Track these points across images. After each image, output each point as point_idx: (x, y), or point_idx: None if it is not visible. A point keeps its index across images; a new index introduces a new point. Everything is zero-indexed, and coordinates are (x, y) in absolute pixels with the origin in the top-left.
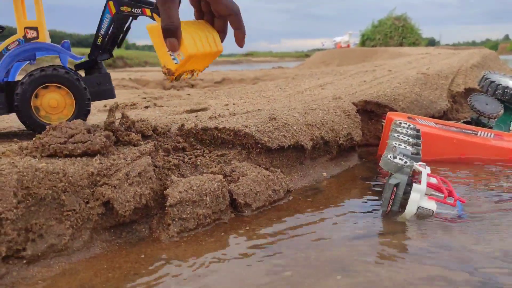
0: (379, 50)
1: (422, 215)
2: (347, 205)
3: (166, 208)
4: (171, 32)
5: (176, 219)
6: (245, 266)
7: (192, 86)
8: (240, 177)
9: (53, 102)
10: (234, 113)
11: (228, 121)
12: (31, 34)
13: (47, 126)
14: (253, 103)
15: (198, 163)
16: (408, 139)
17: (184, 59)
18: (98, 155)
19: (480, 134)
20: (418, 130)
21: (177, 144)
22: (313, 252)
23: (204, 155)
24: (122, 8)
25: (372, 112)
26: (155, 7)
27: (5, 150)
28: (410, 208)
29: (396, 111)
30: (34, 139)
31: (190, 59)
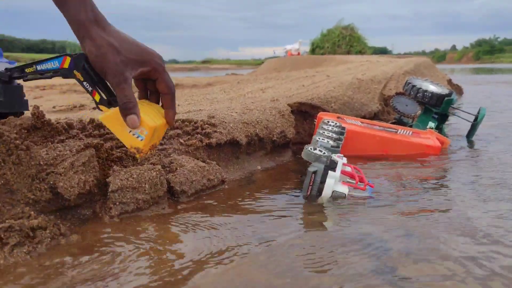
0: (328, 58)
1: (336, 197)
2: (275, 192)
3: (109, 194)
4: (130, 109)
5: (117, 203)
6: (180, 239)
7: None
8: (178, 168)
9: None
10: (176, 113)
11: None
12: None
13: None
14: (197, 105)
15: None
16: (332, 134)
17: (148, 133)
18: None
19: (400, 132)
20: (343, 128)
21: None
22: (239, 226)
23: None
24: (75, 72)
25: (306, 113)
26: (106, 101)
27: None
28: (326, 192)
29: (328, 112)
30: None
31: (153, 132)
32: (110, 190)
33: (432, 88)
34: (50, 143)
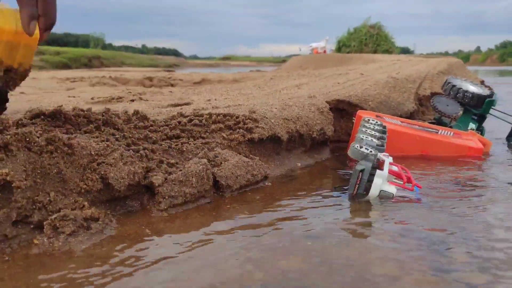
0: (354, 56)
1: (384, 197)
2: (318, 189)
3: (157, 188)
4: None
5: (166, 197)
6: (227, 235)
7: (172, 85)
8: (223, 162)
9: None
10: (216, 107)
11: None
12: None
13: None
14: (233, 100)
15: (184, 149)
16: (374, 133)
17: None
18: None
19: (441, 133)
20: (384, 126)
21: (169, 132)
22: (287, 225)
23: (189, 142)
24: None
25: (343, 111)
26: None
27: None
28: (374, 191)
29: (366, 110)
30: None
31: None
32: (157, 183)
33: (473, 88)
34: (99, 133)
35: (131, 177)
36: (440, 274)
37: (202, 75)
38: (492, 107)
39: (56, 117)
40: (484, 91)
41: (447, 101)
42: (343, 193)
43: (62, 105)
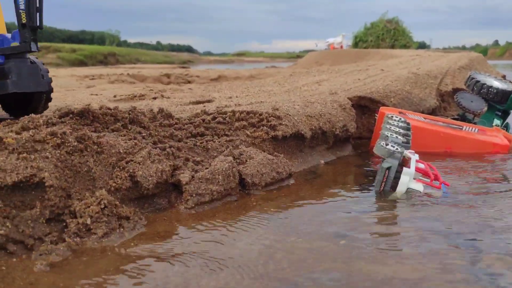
0: (371, 51)
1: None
2: (343, 187)
3: (184, 186)
4: None
5: (194, 195)
6: (253, 233)
7: (189, 82)
8: (248, 160)
9: None
10: (239, 104)
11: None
12: None
13: None
14: (255, 97)
15: (209, 147)
16: (399, 130)
17: None
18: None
19: (465, 129)
20: (408, 123)
21: (194, 130)
22: (315, 224)
23: (214, 140)
24: None
25: (365, 107)
26: None
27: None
28: (400, 189)
29: (388, 106)
30: None
31: None
32: (184, 181)
33: (497, 84)
34: (126, 131)
35: (159, 175)
36: (467, 275)
37: (218, 72)
38: None
39: (84, 115)
40: (509, 86)
41: (471, 97)
42: (368, 190)
43: (89, 104)
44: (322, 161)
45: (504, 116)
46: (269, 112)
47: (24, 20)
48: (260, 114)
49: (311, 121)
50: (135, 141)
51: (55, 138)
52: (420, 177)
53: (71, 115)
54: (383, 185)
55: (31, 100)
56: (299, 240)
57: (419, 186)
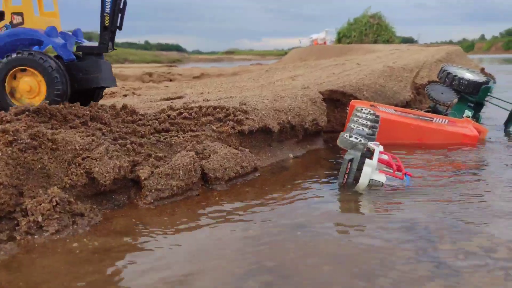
0: (355, 47)
1: (373, 186)
2: (309, 179)
3: (143, 181)
4: None
5: (153, 190)
6: (216, 228)
7: (171, 80)
8: (211, 155)
9: (26, 86)
10: (207, 100)
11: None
12: (16, 19)
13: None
14: (227, 92)
15: (173, 142)
16: (366, 122)
17: None
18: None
19: (436, 121)
20: (377, 116)
21: (158, 126)
22: (276, 216)
23: (179, 135)
24: None
25: (338, 101)
26: None
27: None
28: (363, 180)
29: (360, 100)
30: None
31: None
32: (143, 177)
33: (468, 75)
34: (85, 128)
35: (116, 171)
36: (426, 261)
37: (202, 70)
38: (489, 94)
39: (41, 113)
40: (480, 78)
41: (441, 88)
42: (333, 182)
43: (47, 101)
44: (291, 155)
45: (477, 107)
46: (236, 107)
47: (107, 23)
48: (227, 109)
49: (279, 115)
50: (93, 137)
51: (6, 136)
52: (385, 168)
53: (27, 113)
54: (346, 177)
55: (92, 94)
56: (256, 233)
57: (381, 177)
